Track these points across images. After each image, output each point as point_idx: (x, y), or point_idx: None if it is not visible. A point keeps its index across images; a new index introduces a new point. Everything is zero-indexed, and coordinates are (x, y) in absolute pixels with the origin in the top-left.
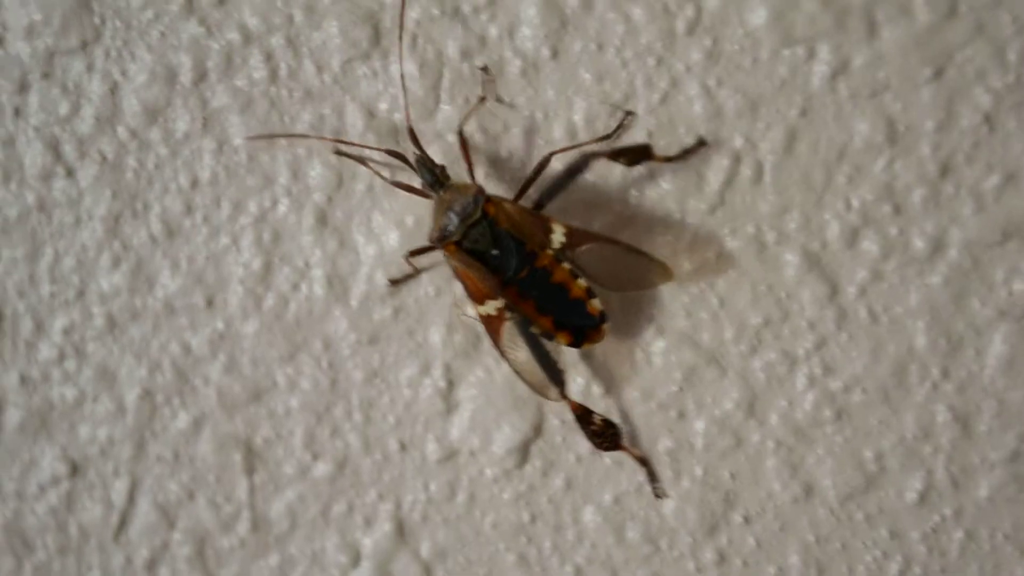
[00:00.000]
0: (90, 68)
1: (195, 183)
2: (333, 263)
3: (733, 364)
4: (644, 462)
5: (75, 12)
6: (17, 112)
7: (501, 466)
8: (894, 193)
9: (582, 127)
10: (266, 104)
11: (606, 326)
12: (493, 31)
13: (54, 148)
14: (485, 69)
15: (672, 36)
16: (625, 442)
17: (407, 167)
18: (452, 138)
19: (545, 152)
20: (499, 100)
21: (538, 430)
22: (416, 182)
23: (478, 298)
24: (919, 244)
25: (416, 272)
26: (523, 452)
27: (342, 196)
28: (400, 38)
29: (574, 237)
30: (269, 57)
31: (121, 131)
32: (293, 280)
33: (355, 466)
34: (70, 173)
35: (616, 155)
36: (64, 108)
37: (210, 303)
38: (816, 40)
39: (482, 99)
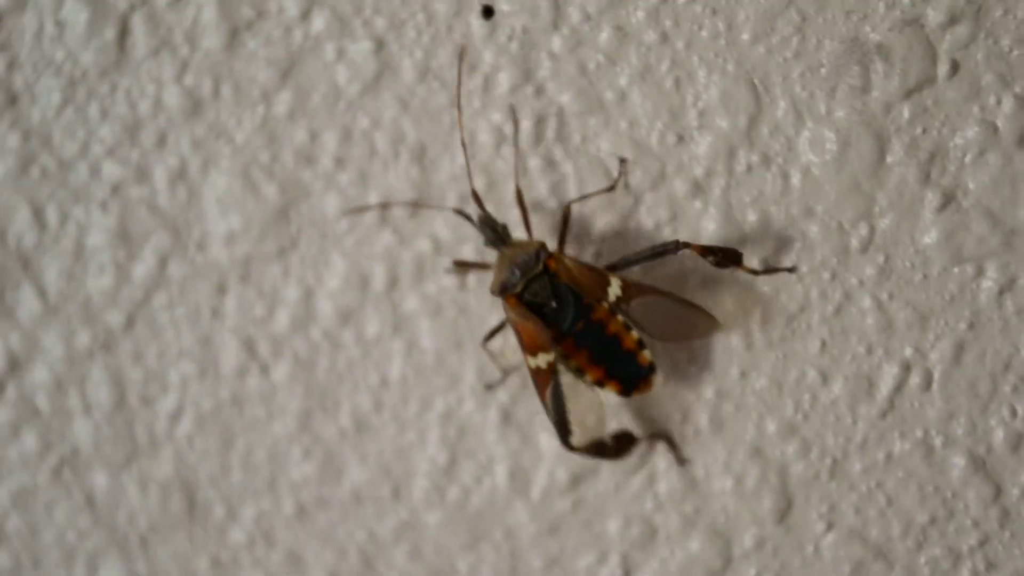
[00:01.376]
0: (286, 273)
1: (384, 382)
2: (515, 458)
3: (900, 559)
4: (660, 436)
5: (273, 221)
6: (215, 313)
7: None
8: None
9: (759, 336)
10: (454, 310)
11: (655, 376)
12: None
13: (249, 347)
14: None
15: (846, 252)
16: (638, 434)
17: (471, 225)
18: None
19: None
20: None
21: None
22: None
23: (532, 350)
24: None
25: (505, 372)
26: None
27: (525, 396)
28: (459, 108)
29: (629, 290)
30: (459, 275)
31: (314, 332)
32: (476, 474)
33: None
34: (264, 371)
35: (706, 253)
36: (260, 310)
37: (396, 494)
38: (984, 259)
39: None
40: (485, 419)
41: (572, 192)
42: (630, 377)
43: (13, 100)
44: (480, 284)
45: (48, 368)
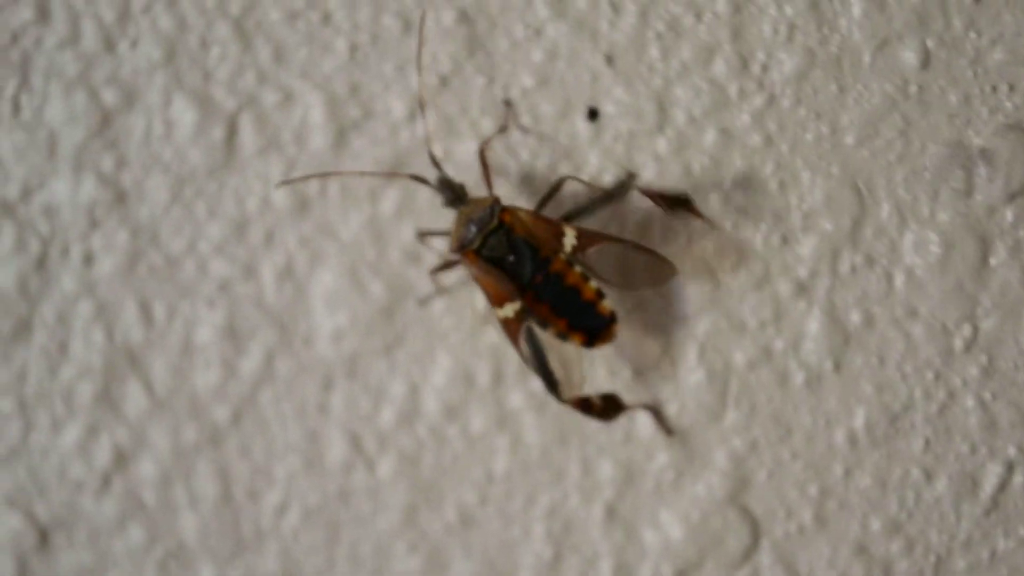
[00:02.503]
0: (392, 369)
1: (489, 477)
2: (620, 554)
3: None
4: (647, 407)
5: (380, 319)
6: (321, 408)
7: None
8: None
9: (863, 435)
10: (558, 406)
11: (616, 326)
12: (778, 344)
13: (355, 442)
14: (507, 103)
15: (950, 353)
16: (626, 400)
17: (429, 188)
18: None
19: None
20: (521, 129)
21: None
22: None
23: (498, 302)
24: None
25: (439, 289)
26: None
27: (631, 492)
28: (419, 59)
29: (583, 239)
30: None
31: (420, 428)
32: (581, 569)
33: None
34: (370, 466)
35: (656, 197)
36: (366, 405)
37: None
38: None
39: (502, 129)
40: (590, 514)
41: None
42: (592, 328)
43: (122, 198)
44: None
45: (154, 462)
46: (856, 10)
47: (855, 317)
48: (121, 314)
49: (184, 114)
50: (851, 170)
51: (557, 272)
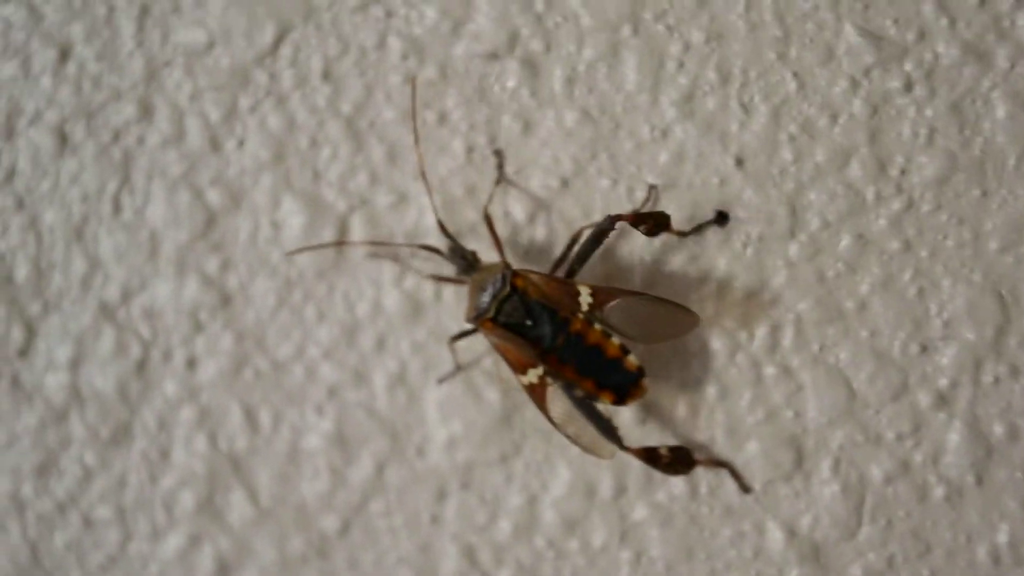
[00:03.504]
0: (509, 479)
1: None
2: None
3: None
4: (722, 464)
5: (496, 428)
6: (434, 519)
7: None
8: None
9: (1006, 552)
10: (685, 519)
11: (645, 381)
12: (917, 457)
13: (470, 555)
14: (498, 153)
15: None
16: (698, 456)
17: (442, 258)
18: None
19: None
20: (509, 181)
21: None
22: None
23: (520, 368)
24: None
25: (459, 368)
26: None
27: None
28: (416, 133)
29: (599, 296)
30: (690, 475)
31: (538, 540)
32: None
33: None
34: None
35: (637, 222)
36: (482, 517)
37: None
38: None
39: (497, 181)
40: None
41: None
42: (620, 384)
43: (227, 301)
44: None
45: (259, 574)
46: (999, 111)
47: (998, 429)
48: (225, 420)
49: (293, 215)
50: (994, 277)
51: (578, 332)
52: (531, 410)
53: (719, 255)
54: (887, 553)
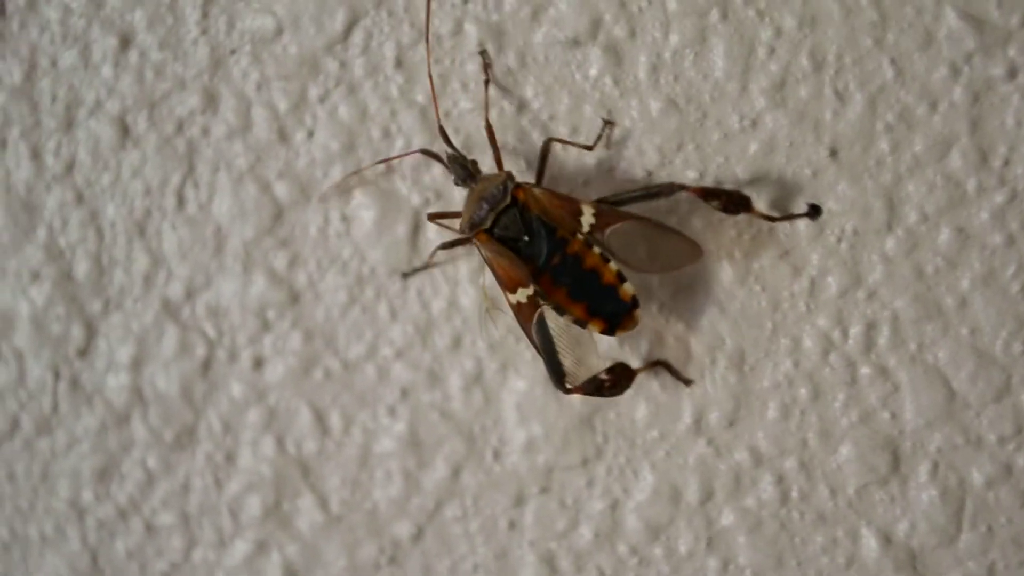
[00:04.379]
0: (590, 484)
1: None
2: None
3: None
4: (659, 363)
5: (577, 430)
6: (512, 525)
7: None
8: None
9: None
10: (775, 525)
11: (638, 312)
12: (1020, 460)
13: (550, 562)
14: (483, 53)
15: None
16: (636, 366)
17: (441, 164)
18: None
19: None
20: (498, 84)
21: None
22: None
23: (510, 286)
24: None
25: (429, 265)
26: None
27: None
28: (427, 43)
29: (603, 217)
30: (780, 479)
31: (620, 547)
32: None
33: None
34: None
35: (708, 196)
36: (562, 523)
37: None
38: None
39: (487, 82)
40: None
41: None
42: (613, 313)
43: (295, 298)
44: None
45: None
46: None
47: None
48: (294, 423)
49: (364, 209)
50: None
51: (575, 253)
52: (614, 411)
53: (811, 250)
54: (988, 561)
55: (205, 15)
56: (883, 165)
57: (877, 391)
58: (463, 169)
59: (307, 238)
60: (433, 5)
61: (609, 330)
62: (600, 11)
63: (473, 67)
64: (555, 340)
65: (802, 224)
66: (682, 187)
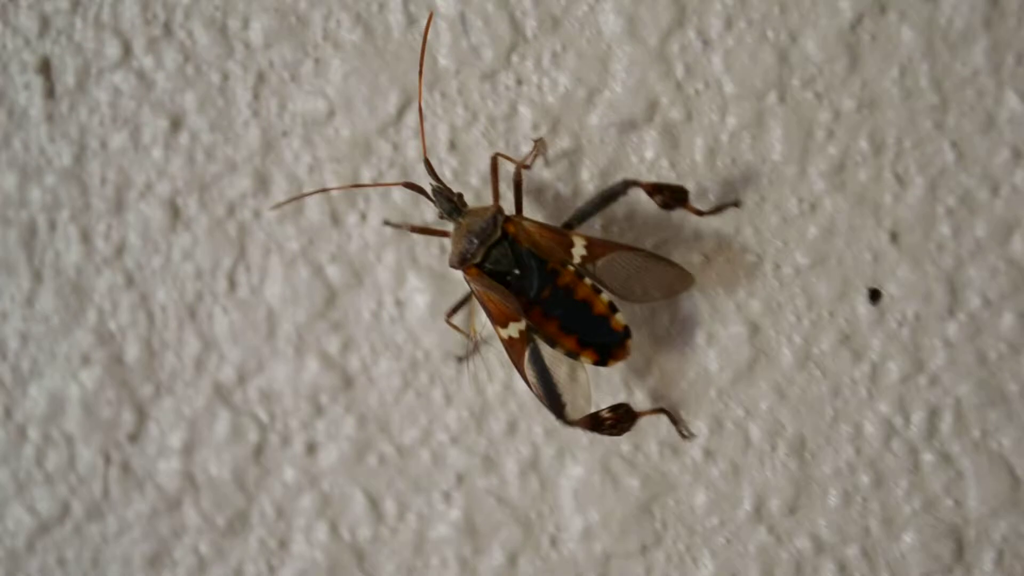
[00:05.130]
0: (649, 571)
1: None
2: None
3: None
4: (661, 411)
5: (635, 516)
6: None
7: None
8: None
9: None
10: None
11: (630, 342)
12: None
13: None
14: (539, 141)
15: None
16: (638, 408)
17: (426, 199)
18: None
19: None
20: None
21: None
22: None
23: (501, 321)
24: None
25: (468, 337)
26: None
27: None
28: (420, 74)
29: (594, 248)
30: (842, 568)
31: None
32: None
33: None
34: None
35: (654, 191)
36: None
37: None
38: None
39: (526, 166)
40: None
41: None
42: (604, 344)
43: (348, 383)
44: None
45: None
46: None
47: None
48: (348, 508)
49: (418, 293)
50: None
51: (566, 285)
52: (673, 497)
53: (872, 335)
54: None
55: (256, 97)
56: (944, 249)
57: (940, 478)
58: (448, 202)
59: (360, 322)
60: (486, 87)
61: (601, 361)
62: (656, 93)
63: (528, 148)
64: (551, 371)
65: (863, 309)
66: (635, 183)
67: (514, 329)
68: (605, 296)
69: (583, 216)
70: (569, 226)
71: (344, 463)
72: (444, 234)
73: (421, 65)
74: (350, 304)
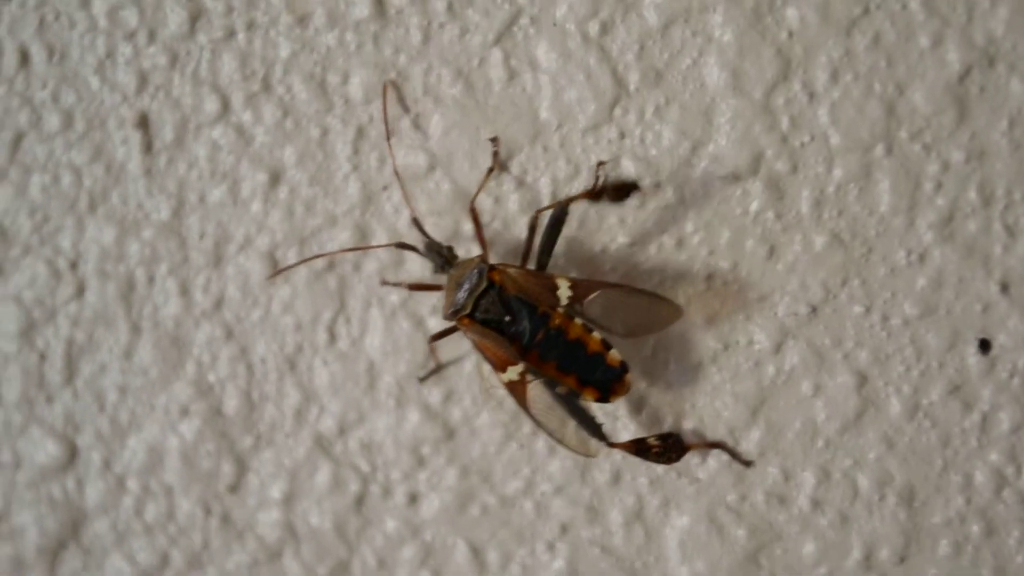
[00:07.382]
0: None
1: None
2: None
3: None
4: (717, 445)
5: (742, 566)
6: None
7: None
8: None
9: None
10: None
11: (629, 376)
12: None
13: None
14: (493, 140)
15: None
16: (689, 440)
17: (418, 255)
18: None
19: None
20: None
21: None
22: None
23: (500, 366)
24: None
25: (440, 366)
26: None
27: None
28: (387, 136)
29: (579, 288)
30: None
31: None
32: None
33: None
34: None
35: (593, 197)
36: None
37: None
38: None
39: (491, 170)
40: None
41: None
42: (604, 381)
43: (450, 434)
44: None
45: None
46: None
47: None
48: (450, 559)
49: None
50: None
51: (558, 327)
52: (780, 547)
53: (983, 385)
54: None
55: (356, 151)
56: None
57: None
58: (440, 256)
59: (462, 374)
60: (589, 140)
61: (603, 398)
62: (761, 146)
63: (633, 201)
64: (572, 399)
65: (972, 359)
66: (571, 200)
67: (513, 372)
68: (597, 334)
69: (544, 252)
70: (542, 267)
71: (446, 514)
72: (440, 288)
73: (386, 126)
74: (451, 356)
